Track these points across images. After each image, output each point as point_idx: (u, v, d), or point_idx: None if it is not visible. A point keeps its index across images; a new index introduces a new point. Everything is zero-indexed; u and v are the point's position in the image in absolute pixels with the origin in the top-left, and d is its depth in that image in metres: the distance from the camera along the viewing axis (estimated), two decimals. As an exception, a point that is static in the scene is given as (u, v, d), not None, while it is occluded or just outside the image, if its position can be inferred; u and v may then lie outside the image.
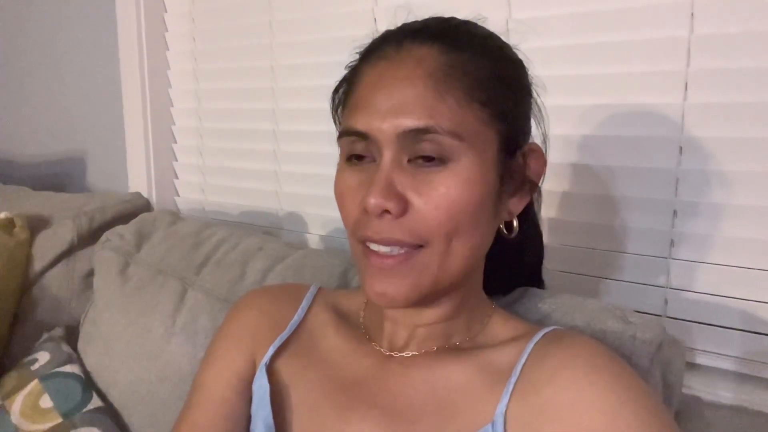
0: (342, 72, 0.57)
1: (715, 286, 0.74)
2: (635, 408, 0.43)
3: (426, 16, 0.54)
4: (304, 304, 0.62)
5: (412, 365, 0.53)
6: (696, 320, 0.76)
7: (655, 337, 0.56)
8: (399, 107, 0.47)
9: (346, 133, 0.50)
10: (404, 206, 0.47)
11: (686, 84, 0.73)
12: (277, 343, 0.58)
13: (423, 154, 0.47)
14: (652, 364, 0.55)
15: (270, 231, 1.15)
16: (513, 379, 0.48)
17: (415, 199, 0.47)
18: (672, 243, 0.77)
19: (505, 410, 0.47)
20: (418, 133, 0.47)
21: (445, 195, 0.47)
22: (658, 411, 0.43)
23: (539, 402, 0.45)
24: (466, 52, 0.49)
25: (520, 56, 0.54)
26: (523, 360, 0.49)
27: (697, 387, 0.75)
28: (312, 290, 0.64)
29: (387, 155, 0.48)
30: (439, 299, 0.53)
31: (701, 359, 0.76)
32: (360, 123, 0.49)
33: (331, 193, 0.53)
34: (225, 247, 0.87)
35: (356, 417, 0.51)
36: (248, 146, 1.18)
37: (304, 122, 1.09)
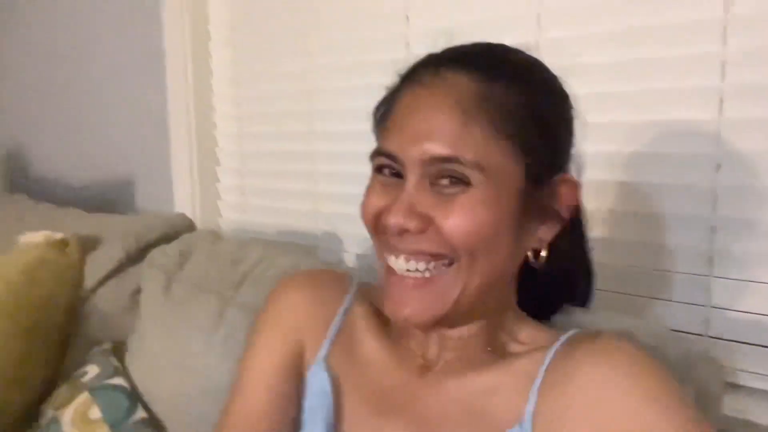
0: (373, 94, 0.59)
1: (759, 305, 0.72)
2: (659, 404, 0.43)
3: (463, 41, 0.55)
4: (349, 297, 0.63)
5: (444, 377, 0.54)
6: (739, 340, 0.73)
7: (689, 355, 0.55)
8: (426, 133, 0.49)
9: (378, 153, 0.53)
10: (425, 224, 0.49)
11: (721, 99, 0.72)
12: (331, 335, 0.59)
13: (445, 175, 0.49)
14: (685, 382, 0.54)
15: (308, 249, 1.17)
16: (538, 380, 0.49)
17: (436, 217, 0.49)
18: (711, 261, 0.75)
19: (533, 410, 0.47)
20: (441, 161, 0.48)
21: (460, 214, 0.48)
22: (682, 406, 0.43)
23: (564, 400, 0.46)
24: (501, 82, 0.50)
25: (566, 88, 0.55)
26: (547, 361, 0.50)
27: (742, 409, 0.72)
28: (354, 285, 0.65)
29: (412, 178, 0.50)
30: (463, 320, 0.54)
31: (746, 380, 0.73)
32: (392, 145, 0.51)
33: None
34: (262, 265, 0.90)
35: (389, 425, 0.53)
36: (287, 167, 1.22)
37: (339, 143, 1.12)
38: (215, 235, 1.05)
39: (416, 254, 0.50)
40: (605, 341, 0.48)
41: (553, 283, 0.61)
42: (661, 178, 0.77)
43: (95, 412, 0.83)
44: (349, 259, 1.12)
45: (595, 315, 0.64)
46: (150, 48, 1.38)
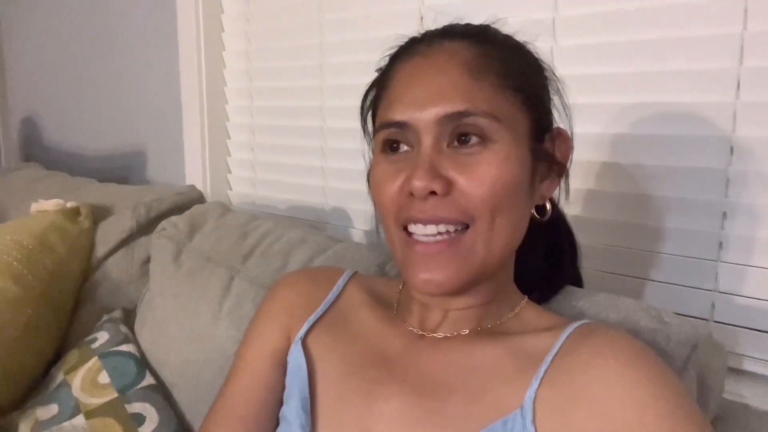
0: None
1: (765, 291, 0.72)
2: (665, 402, 0.43)
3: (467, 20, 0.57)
4: (339, 283, 0.65)
5: (442, 346, 0.55)
6: (744, 325, 0.73)
7: (691, 338, 0.55)
8: (437, 95, 0.49)
9: (384, 126, 0.53)
10: (448, 186, 0.49)
11: (738, 82, 0.71)
12: (311, 319, 0.61)
13: (463, 132, 0.49)
14: (687, 366, 0.54)
15: (316, 225, 1.18)
16: (544, 366, 0.49)
17: (458, 179, 0.49)
18: (720, 245, 0.74)
19: (535, 396, 0.47)
20: (457, 117, 0.49)
21: (487, 172, 0.49)
22: (688, 407, 0.43)
23: (570, 390, 0.46)
24: (493, 45, 0.52)
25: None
26: (555, 348, 0.50)
27: (745, 394, 0.72)
28: (347, 273, 0.67)
29: (426, 141, 0.50)
30: (474, 285, 0.53)
31: (749, 366, 0.73)
32: (398, 114, 0.51)
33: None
34: (270, 239, 0.91)
35: (385, 391, 0.53)
36: (297, 143, 1.22)
37: (350, 119, 1.11)
38: (225, 208, 1.05)
39: (440, 221, 0.50)
40: (619, 338, 0.48)
41: (540, 264, 0.62)
42: (673, 160, 0.77)
43: (104, 377, 0.85)
44: (357, 235, 1.13)
45: (593, 295, 0.64)
46: (163, 21, 1.38)
